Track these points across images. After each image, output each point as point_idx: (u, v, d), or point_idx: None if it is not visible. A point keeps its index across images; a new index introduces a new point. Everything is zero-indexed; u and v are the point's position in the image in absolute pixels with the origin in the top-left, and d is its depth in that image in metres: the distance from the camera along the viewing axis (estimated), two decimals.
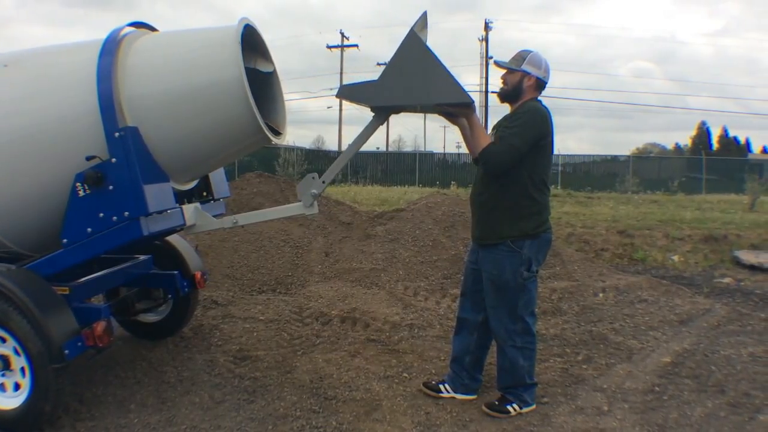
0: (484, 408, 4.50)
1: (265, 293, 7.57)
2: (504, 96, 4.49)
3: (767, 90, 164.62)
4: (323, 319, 6.43)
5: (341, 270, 8.23)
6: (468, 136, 4.44)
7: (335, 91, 4.32)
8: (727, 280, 9.69)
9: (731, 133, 77.56)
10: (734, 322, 6.71)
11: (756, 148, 78.53)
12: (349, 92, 4.30)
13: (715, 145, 74.48)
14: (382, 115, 4.41)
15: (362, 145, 4.63)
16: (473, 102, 4.19)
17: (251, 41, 4.33)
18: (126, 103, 4.01)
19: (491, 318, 4.50)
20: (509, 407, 4.45)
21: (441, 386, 4.74)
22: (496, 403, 4.50)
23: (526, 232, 4.32)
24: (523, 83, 4.37)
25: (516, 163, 4.18)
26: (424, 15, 4.33)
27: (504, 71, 4.47)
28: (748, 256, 11.11)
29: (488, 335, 4.67)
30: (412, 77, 4.00)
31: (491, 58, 47.99)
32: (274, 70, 4.59)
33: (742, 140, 78.00)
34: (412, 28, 4.09)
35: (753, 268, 10.64)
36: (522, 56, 4.39)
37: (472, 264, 4.65)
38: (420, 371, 5.16)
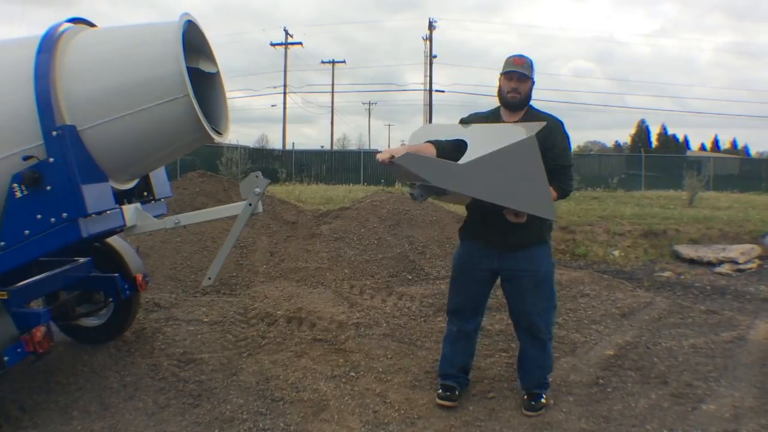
0: (526, 412, 4.41)
1: (209, 295, 7.46)
2: (519, 105, 4.34)
3: (704, 89, 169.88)
4: (269, 319, 6.36)
5: (286, 269, 8.18)
6: None
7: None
8: (667, 273, 9.91)
9: (670, 131, 79.74)
10: (675, 315, 6.86)
11: (694, 145, 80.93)
12: (413, 161, 3.75)
13: (654, 142, 76.29)
14: (423, 195, 3.94)
15: None
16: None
17: (194, 39, 4.26)
18: (64, 101, 3.90)
19: (534, 317, 4.43)
20: (542, 399, 4.51)
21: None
22: (533, 403, 4.47)
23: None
24: (531, 90, 4.39)
25: None
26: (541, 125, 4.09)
27: (519, 79, 4.27)
28: (687, 251, 11.37)
29: None
30: (509, 178, 3.78)
31: (435, 56, 48.51)
32: (218, 71, 4.53)
33: (681, 138, 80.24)
34: (533, 135, 3.89)
35: (692, 261, 10.93)
36: (528, 63, 4.29)
37: (481, 272, 4.52)
38: (367, 370, 5.15)
